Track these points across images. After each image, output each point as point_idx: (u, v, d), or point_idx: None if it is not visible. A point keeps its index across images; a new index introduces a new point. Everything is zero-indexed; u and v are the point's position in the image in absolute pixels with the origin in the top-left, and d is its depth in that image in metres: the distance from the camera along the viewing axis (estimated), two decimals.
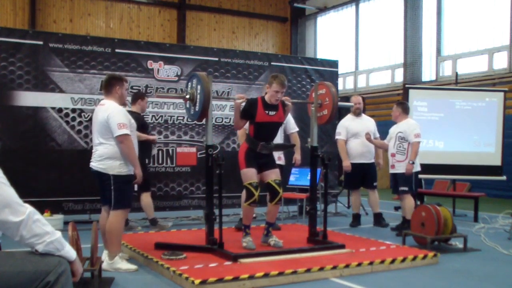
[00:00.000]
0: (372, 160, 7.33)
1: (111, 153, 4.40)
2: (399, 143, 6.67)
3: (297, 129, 6.72)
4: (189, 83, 4.94)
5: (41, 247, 2.03)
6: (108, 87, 4.56)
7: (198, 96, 4.72)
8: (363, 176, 7.24)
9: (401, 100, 7.43)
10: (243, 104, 5.04)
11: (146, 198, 6.53)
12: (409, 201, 6.59)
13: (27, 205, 2.03)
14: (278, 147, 5.32)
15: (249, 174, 5.00)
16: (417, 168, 6.69)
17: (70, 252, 2.12)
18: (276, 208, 5.20)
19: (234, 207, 7.54)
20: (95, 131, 4.53)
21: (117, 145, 4.39)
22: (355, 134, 7.23)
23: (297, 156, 6.63)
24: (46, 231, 2.04)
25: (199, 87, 4.71)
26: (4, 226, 1.99)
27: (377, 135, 7.45)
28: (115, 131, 4.34)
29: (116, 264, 4.47)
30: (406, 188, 6.59)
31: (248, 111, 5.01)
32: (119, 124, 4.33)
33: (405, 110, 6.83)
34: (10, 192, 2.00)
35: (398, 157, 6.66)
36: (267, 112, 5.00)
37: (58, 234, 2.08)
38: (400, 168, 6.60)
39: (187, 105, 5.00)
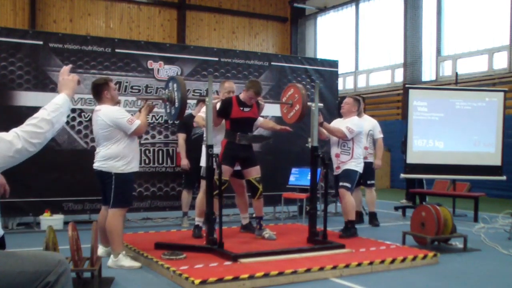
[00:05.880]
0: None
1: (114, 153, 4.51)
2: (343, 142, 5.94)
3: (382, 135, 7.43)
4: (168, 86, 5.02)
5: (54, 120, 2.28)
6: (96, 95, 4.67)
7: (176, 98, 4.80)
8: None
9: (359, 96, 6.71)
10: (219, 104, 5.41)
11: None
12: (349, 199, 5.88)
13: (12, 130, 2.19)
14: (257, 138, 5.66)
15: (222, 170, 5.22)
16: (361, 170, 6.07)
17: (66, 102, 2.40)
18: (259, 202, 5.63)
19: (234, 207, 7.52)
20: (96, 135, 4.66)
21: (130, 141, 4.54)
22: None
23: (378, 162, 7.37)
24: (38, 125, 2.22)
25: (175, 86, 4.81)
26: (17, 155, 2.14)
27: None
28: (128, 129, 4.49)
29: (120, 261, 4.57)
30: (348, 185, 5.87)
31: (223, 110, 5.38)
32: (128, 121, 4.49)
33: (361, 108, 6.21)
34: None
35: (343, 157, 5.96)
36: (242, 108, 5.41)
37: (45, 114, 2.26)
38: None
39: (165, 106, 5.11)
